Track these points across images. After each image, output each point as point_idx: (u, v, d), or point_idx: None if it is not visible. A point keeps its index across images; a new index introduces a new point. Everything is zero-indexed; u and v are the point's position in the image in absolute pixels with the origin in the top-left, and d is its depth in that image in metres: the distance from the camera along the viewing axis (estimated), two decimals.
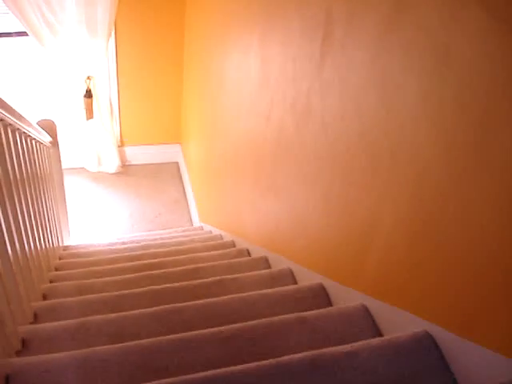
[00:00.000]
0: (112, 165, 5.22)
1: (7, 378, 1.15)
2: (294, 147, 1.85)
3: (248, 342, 1.29)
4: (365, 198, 1.35)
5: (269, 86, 2.10)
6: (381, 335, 1.32)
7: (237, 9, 2.61)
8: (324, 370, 1.07)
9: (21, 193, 1.78)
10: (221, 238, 3.25)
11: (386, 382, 1.07)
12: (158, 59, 4.78)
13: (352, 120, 1.38)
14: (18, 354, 1.35)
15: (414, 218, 1.13)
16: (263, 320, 1.37)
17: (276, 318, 1.38)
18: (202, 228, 4.09)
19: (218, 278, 1.94)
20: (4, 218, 1.41)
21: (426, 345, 1.11)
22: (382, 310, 1.33)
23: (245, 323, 1.36)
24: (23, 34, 4.32)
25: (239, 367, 1.06)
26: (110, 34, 4.36)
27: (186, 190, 5.06)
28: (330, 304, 1.62)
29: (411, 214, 1.14)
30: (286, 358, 1.09)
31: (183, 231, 4.05)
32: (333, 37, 1.45)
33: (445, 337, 1.09)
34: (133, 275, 2.16)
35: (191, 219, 4.73)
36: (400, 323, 1.24)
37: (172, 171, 5.39)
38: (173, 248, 2.92)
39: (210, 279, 1.93)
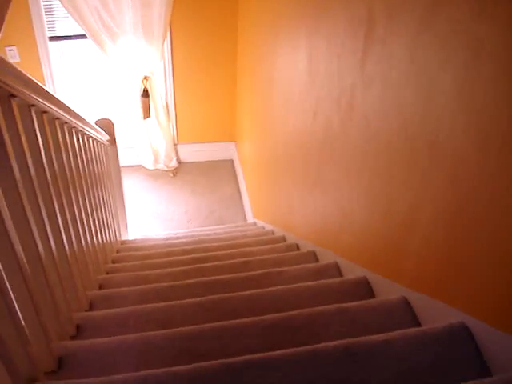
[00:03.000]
0: (168, 162, 5.35)
1: (61, 360, 1.23)
2: (338, 143, 1.87)
3: (288, 330, 1.33)
4: (405, 191, 1.36)
5: (315, 83, 2.13)
6: (420, 326, 1.33)
7: (286, 8, 2.65)
8: (359, 357, 1.09)
9: (78, 188, 1.88)
10: (272, 233, 3.30)
11: (419, 370, 1.08)
12: (212, 59, 4.88)
13: (392, 114, 1.40)
14: (73, 338, 1.44)
15: (451, 211, 1.14)
16: (304, 310, 1.41)
17: (317, 309, 1.41)
18: (254, 224, 4.14)
19: (266, 270, 1.99)
20: (60, 213, 1.50)
21: (462, 335, 1.12)
22: (422, 302, 1.34)
23: (286, 313, 1.40)
24: (82, 36, 4.51)
25: (277, 353, 1.10)
26: (165, 35, 4.48)
27: (240, 187, 5.13)
28: (372, 296, 1.64)
29: (449, 207, 1.15)
30: (322, 344, 1.12)
31: (236, 227, 4.12)
32: (374, 33, 1.46)
33: (480, 328, 1.10)
34: (185, 267, 2.24)
35: (245, 215, 4.80)
36: (438, 315, 1.24)
37: (227, 168, 5.48)
38: (225, 242, 2.99)
39: (257, 272, 1.98)
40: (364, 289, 1.67)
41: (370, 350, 1.11)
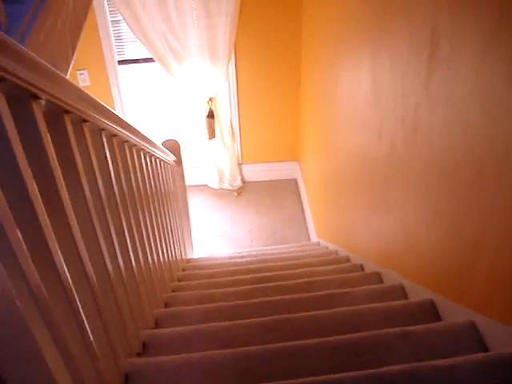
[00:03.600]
0: (233, 182, 5.42)
1: (127, 377, 1.26)
2: (403, 162, 1.85)
3: (351, 353, 1.31)
4: (472, 212, 1.33)
5: (379, 103, 2.11)
6: (487, 352, 1.29)
7: (349, 28, 2.65)
8: (423, 382, 1.07)
9: (145, 208, 1.93)
10: (336, 253, 3.27)
11: None
12: (276, 79, 4.92)
13: (458, 134, 1.37)
14: (139, 355, 1.48)
15: None
16: (368, 333, 1.39)
17: (381, 332, 1.39)
18: (318, 243, 4.12)
19: (329, 291, 1.97)
20: (128, 232, 1.55)
21: None
22: (490, 327, 1.29)
23: (350, 335, 1.38)
24: (150, 60, 4.66)
25: (338, 375, 1.09)
26: (230, 57, 4.57)
27: (303, 207, 5.13)
28: (438, 320, 1.60)
29: None
30: (385, 368, 1.10)
31: (300, 246, 4.11)
32: (439, 52, 1.45)
33: None
34: (249, 287, 2.25)
35: (308, 235, 4.78)
36: (506, 340, 1.20)
37: (290, 188, 5.49)
38: (288, 262, 2.99)
39: (321, 292, 1.97)
40: (430, 312, 1.63)
41: (435, 375, 1.08)
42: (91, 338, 1.12)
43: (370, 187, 2.38)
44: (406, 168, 1.82)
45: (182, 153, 3.44)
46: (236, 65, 4.80)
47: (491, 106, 1.17)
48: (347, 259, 2.89)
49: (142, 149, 1.96)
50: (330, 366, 1.26)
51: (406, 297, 1.89)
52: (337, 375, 1.09)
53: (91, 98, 1.13)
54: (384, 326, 1.48)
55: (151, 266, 1.95)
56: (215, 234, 4.88)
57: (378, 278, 2.23)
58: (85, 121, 1.13)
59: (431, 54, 1.49)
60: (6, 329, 0.77)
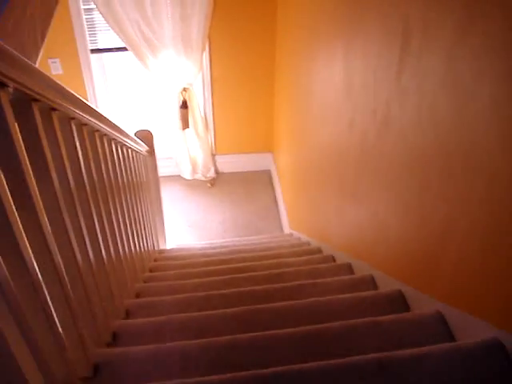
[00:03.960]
0: (206, 172, 5.41)
1: (97, 367, 1.26)
2: (374, 155, 1.87)
3: (322, 343, 1.33)
4: (440, 204, 1.35)
5: (351, 96, 2.13)
6: (454, 341, 1.31)
7: (322, 21, 2.66)
8: (391, 371, 1.09)
9: (116, 198, 1.92)
10: (308, 244, 3.29)
11: None
12: (250, 71, 4.92)
13: (428, 127, 1.39)
14: (109, 345, 1.47)
15: (486, 224, 1.13)
16: (337, 323, 1.40)
17: (350, 322, 1.41)
18: (291, 235, 4.14)
19: (300, 282, 1.99)
20: (98, 222, 1.54)
21: (496, 353, 1.10)
22: (456, 317, 1.32)
23: (319, 325, 1.40)
24: (123, 49, 4.61)
25: (308, 365, 1.10)
26: (204, 48, 4.55)
27: (276, 198, 5.15)
28: (407, 310, 1.62)
29: (485, 219, 1.13)
30: (354, 358, 1.12)
31: (272, 237, 4.12)
32: (410, 46, 1.46)
33: None
34: (220, 278, 2.25)
35: (281, 226, 4.80)
36: (473, 330, 1.22)
37: (264, 179, 5.50)
38: (261, 253, 3.00)
39: (292, 283, 1.98)
40: (398, 302, 1.65)
41: (403, 364, 1.10)
42: (59, 328, 1.11)
43: (342, 179, 2.40)
44: (377, 160, 1.84)
45: (154, 143, 3.41)
46: (210, 56, 4.78)
47: (459, 99, 1.19)
48: (319, 250, 2.91)
49: (114, 139, 1.94)
50: (300, 356, 1.27)
51: (375, 287, 1.92)
52: (306, 364, 1.10)
53: (60, 86, 1.11)
54: (353, 316, 1.50)
55: (122, 256, 1.94)
56: (188, 224, 4.87)
57: (348, 268, 2.25)
58: (54, 109, 1.12)
59: (403, 46, 1.50)
60: None
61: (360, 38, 1.96)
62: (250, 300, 1.83)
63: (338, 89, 2.35)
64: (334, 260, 2.56)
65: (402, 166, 1.60)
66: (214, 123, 5.26)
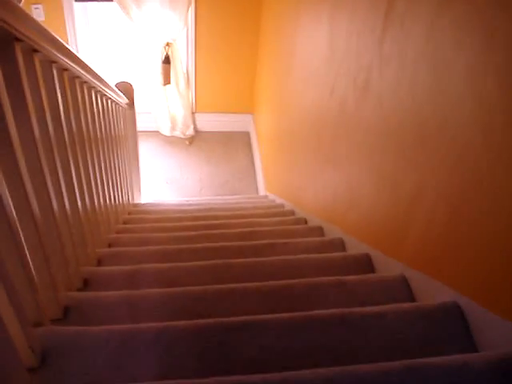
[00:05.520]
0: (185, 130, 5.38)
1: (67, 309, 1.29)
2: (352, 121, 1.89)
3: (288, 297, 1.37)
4: (412, 172, 1.38)
5: (335, 60, 2.14)
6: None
7: None
8: (351, 326, 1.13)
9: (94, 148, 1.92)
10: (282, 206, 3.33)
11: (409, 343, 1.12)
12: (235, 29, 4.87)
13: (406, 95, 1.41)
14: (80, 291, 1.50)
15: (453, 194, 1.17)
16: (304, 280, 1.45)
17: (316, 279, 1.45)
18: (266, 197, 4.18)
19: (272, 241, 2.03)
20: (75, 170, 1.54)
21: (453, 314, 1.15)
22: (419, 280, 1.37)
23: (286, 281, 1.44)
24: None
25: (272, 316, 1.14)
26: (190, 3, 4.48)
27: (254, 160, 5.16)
28: (373, 272, 1.68)
29: (452, 189, 1.17)
30: (317, 311, 1.16)
31: (248, 198, 4.16)
32: (394, 12, 1.47)
33: (471, 307, 1.13)
34: (193, 233, 2.28)
35: (257, 188, 4.84)
36: (433, 293, 1.28)
37: (242, 140, 5.50)
38: (235, 212, 3.03)
39: (262, 241, 2.02)
40: (365, 265, 1.70)
41: (364, 320, 1.15)
42: (32, 269, 1.13)
43: (320, 144, 2.42)
44: (355, 125, 1.86)
45: (135, 96, 3.39)
46: (196, 12, 4.71)
47: (437, 68, 1.22)
48: (292, 213, 2.96)
49: (94, 87, 1.93)
50: (266, 309, 1.31)
51: (344, 250, 1.97)
52: (270, 316, 1.14)
53: (43, 27, 1.10)
54: (321, 275, 1.55)
55: (96, 205, 1.95)
56: (164, 180, 4.87)
57: (320, 231, 2.30)
58: (35, 51, 1.12)
59: (387, 11, 1.51)
60: None
61: (346, 1, 1.96)
62: (221, 255, 1.86)
63: (322, 53, 2.35)
64: (306, 222, 2.61)
65: (378, 133, 1.63)
66: (195, 81, 5.22)
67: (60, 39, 1.28)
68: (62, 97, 1.39)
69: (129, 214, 3.05)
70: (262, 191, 4.56)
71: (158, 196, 4.61)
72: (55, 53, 1.26)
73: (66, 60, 1.39)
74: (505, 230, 0.99)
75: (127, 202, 3.17)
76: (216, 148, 5.35)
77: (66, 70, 1.45)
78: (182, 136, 5.40)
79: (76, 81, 1.62)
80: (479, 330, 1.11)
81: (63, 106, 1.41)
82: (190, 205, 3.59)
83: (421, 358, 0.94)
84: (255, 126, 5.26)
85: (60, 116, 1.38)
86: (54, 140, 1.31)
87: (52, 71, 1.29)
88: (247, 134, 5.59)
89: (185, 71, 5.07)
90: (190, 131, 5.40)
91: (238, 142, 5.47)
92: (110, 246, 2.12)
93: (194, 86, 5.26)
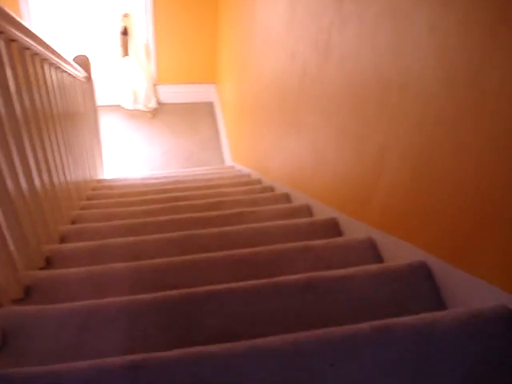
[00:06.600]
0: (147, 103, 5.29)
1: (28, 289, 1.25)
2: (315, 84, 1.87)
3: (255, 265, 1.36)
4: (375, 132, 1.37)
5: (294, 23, 2.10)
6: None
7: None
8: (318, 290, 1.12)
9: (50, 124, 1.85)
10: (248, 176, 3.31)
11: (378, 304, 1.12)
12: None
13: (367, 55, 1.39)
14: (42, 269, 1.46)
15: (418, 152, 1.16)
16: (271, 246, 1.43)
17: (284, 245, 1.44)
18: (232, 167, 4.15)
19: (238, 210, 2.00)
20: (30, 148, 1.49)
21: (420, 273, 1.15)
22: (386, 242, 1.37)
23: (253, 248, 1.42)
24: None
25: (238, 284, 1.12)
26: None
27: (219, 130, 5.11)
28: (340, 236, 1.67)
29: (416, 148, 1.16)
30: (283, 277, 1.15)
31: (214, 169, 4.12)
32: None
33: (439, 266, 1.13)
34: (159, 206, 2.25)
35: (223, 159, 4.80)
36: (401, 254, 1.28)
37: (206, 111, 5.43)
38: (201, 184, 3.00)
39: (230, 211, 2.00)
40: (333, 229, 1.70)
41: (331, 284, 1.14)
42: None
43: (283, 110, 2.39)
44: (317, 89, 1.84)
45: (92, 69, 3.29)
46: None
47: (398, 25, 1.19)
48: (259, 181, 2.94)
49: (46, 59, 1.86)
50: (234, 278, 1.30)
51: (311, 216, 1.96)
52: (236, 284, 1.12)
53: None
54: (288, 241, 1.53)
55: (56, 183, 1.89)
56: (129, 155, 4.80)
57: (286, 198, 2.28)
58: None
59: None
60: None
61: None
62: (188, 227, 1.83)
63: (282, 16, 2.31)
64: (273, 190, 2.59)
65: (341, 96, 1.61)
66: (156, 52, 5.12)
67: (3, 7, 1.22)
68: (10, 69, 1.33)
69: (92, 190, 2.99)
70: (229, 162, 4.53)
71: (123, 171, 4.54)
72: (1, 23, 1.19)
73: (13, 30, 1.33)
74: (469, 187, 0.98)
75: (90, 178, 3.10)
76: (180, 120, 5.27)
77: (14, 40, 1.38)
78: (145, 109, 5.31)
79: (26, 52, 1.55)
80: (448, 289, 1.11)
81: (13, 79, 1.35)
82: (156, 178, 3.54)
83: (389, 319, 0.93)
84: (219, 96, 5.19)
85: (9, 90, 1.32)
86: (5, 116, 1.25)
87: None
88: (211, 105, 5.52)
89: (144, 42, 4.96)
90: (153, 104, 5.31)
91: (202, 112, 5.41)
92: (73, 222, 2.07)
93: (155, 57, 5.15)
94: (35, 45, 1.62)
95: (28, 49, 1.57)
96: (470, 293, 1.02)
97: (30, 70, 1.59)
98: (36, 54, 1.68)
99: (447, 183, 1.05)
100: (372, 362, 0.83)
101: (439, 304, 1.11)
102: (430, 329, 0.89)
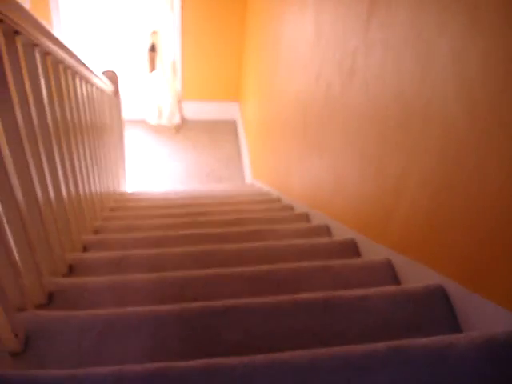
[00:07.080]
0: (172, 118, 5.36)
1: (51, 295, 1.28)
2: (338, 106, 1.89)
3: (273, 282, 1.38)
4: (396, 156, 1.39)
5: (320, 46, 2.13)
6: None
7: None
8: (336, 309, 1.14)
9: (78, 135, 1.90)
10: (268, 194, 3.34)
11: (394, 325, 1.13)
12: (221, 17, 4.85)
13: (391, 80, 1.41)
14: (65, 276, 1.49)
15: (438, 177, 1.17)
16: (290, 264, 1.45)
17: (302, 264, 1.46)
18: (253, 184, 4.18)
19: (258, 227, 2.03)
20: (59, 157, 1.53)
21: (438, 296, 1.16)
22: (404, 264, 1.38)
23: (272, 266, 1.44)
24: None
25: (257, 300, 1.14)
26: None
27: (241, 148, 5.15)
28: (359, 257, 1.68)
29: (437, 173, 1.18)
30: (302, 295, 1.17)
31: (234, 186, 4.15)
32: None
33: (456, 290, 1.14)
34: (180, 220, 2.28)
35: (244, 176, 4.83)
36: (418, 276, 1.29)
37: (229, 129, 5.49)
38: (221, 200, 3.03)
39: (249, 228, 2.02)
40: (351, 250, 1.71)
41: (348, 303, 1.15)
42: (16, 255, 1.12)
43: (305, 130, 2.42)
44: (340, 111, 1.86)
45: (120, 84, 3.36)
46: (182, 0, 4.68)
47: (422, 52, 1.22)
48: (279, 200, 2.96)
49: (78, 72, 1.91)
50: (251, 294, 1.32)
51: (330, 236, 1.97)
52: (255, 300, 1.14)
53: (24, 8, 1.09)
54: (306, 260, 1.55)
55: (81, 193, 1.94)
56: (151, 169, 4.85)
57: (306, 218, 2.30)
58: (17, 33, 1.10)
59: None
60: None
61: None
62: (208, 242, 1.86)
63: (308, 39, 2.35)
64: (292, 209, 2.61)
65: (364, 118, 1.63)
66: (182, 69, 5.19)
67: (42, 22, 1.27)
68: (45, 82, 1.38)
69: (115, 202, 3.04)
70: (249, 179, 4.56)
71: (144, 185, 4.59)
72: (37, 35, 1.24)
73: (49, 43, 1.38)
74: (490, 215, 0.99)
75: (113, 191, 3.16)
76: (203, 136, 5.33)
77: (48, 54, 1.43)
78: (169, 124, 5.38)
79: (59, 66, 1.60)
80: (464, 313, 1.12)
81: (46, 90, 1.40)
82: (177, 193, 3.58)
83: (405, 339, 0.94)
84: (242, 115, 5.24)
85: (43, 101, 1.36)
86: (38, 126, 1.29)
87: (34, 54, 1.27)
88: (234, 123, 5.58)
89: (171, 59, 5.04)
90: (177, 120, 5.38)
91: (225, 130, 5.46)
92: (96, 233, 2.11)
93: (181, 74, 5.23)
94: (68, 58, 1.68)
95: (61, 62, 1.62)
96: (487, 317, 1.03)
97: (63, 83, 1.64)
98: (68, 67, 1.73)
99: (468, 210, 1.07)
100: (387, 381, 0.84)
101: (455, 327, 1.12)
102: (445, 351, 0.90)
